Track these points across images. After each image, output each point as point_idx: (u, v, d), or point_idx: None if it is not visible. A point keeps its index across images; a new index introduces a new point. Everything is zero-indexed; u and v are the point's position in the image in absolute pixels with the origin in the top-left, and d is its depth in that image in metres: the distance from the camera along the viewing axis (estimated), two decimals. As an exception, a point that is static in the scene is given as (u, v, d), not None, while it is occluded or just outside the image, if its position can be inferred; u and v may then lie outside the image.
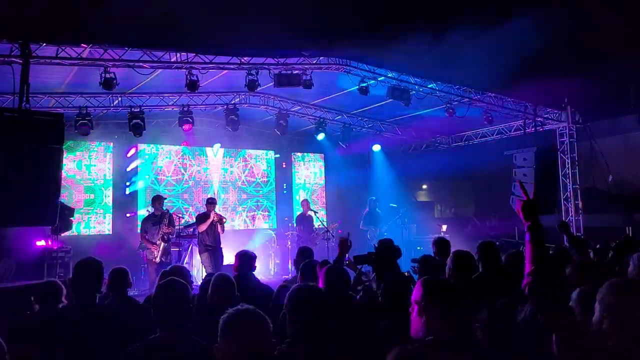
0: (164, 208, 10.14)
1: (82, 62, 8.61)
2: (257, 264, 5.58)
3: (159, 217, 9.89)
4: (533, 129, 12.28)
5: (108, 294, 4.24)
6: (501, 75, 10.21)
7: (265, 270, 12.87)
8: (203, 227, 10.13)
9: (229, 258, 9.82)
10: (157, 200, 10.14)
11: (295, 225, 13.22)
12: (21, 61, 7.37)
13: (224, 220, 10.48)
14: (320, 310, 2.85)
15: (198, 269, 11.07)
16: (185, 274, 4.41)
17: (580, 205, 12.34)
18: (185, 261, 11.06)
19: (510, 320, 3.06)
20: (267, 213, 15.51)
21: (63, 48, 8.17)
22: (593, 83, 11.52)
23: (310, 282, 3.44)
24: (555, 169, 12.28)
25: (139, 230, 10.71)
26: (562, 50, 11.48)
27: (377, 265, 4.68)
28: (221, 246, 10.32)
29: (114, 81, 8.88)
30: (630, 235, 9.26)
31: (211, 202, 10.44)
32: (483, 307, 3.18)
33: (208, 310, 3.73)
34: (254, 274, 5.53)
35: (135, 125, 11.09)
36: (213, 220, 10.15)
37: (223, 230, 10.38)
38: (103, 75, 8.80)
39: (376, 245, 5.85)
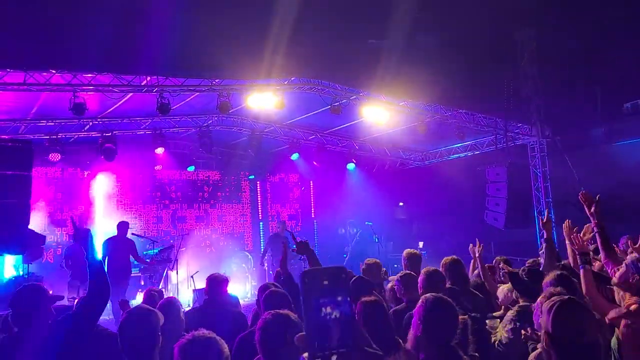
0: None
1: (50, 87, 8.52)
2: (234, 287, 5.49)
3: None
4: (504, 144, 12.47)
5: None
6: (471, 92, 10.41)
7: (242, 293, 12.73)
8: None
9: (203, 281, 9.66)
10: None
11: (267, 245, 13.08)
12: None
13: None
14: (291, 337, 2.81)
15: (174, 294, 10.88)
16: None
17: (553, 219, 12.50)
18: (160, 286, 10.86)
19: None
20: (243, 235, 15.40)
21: (31, 74, 8.09)
22: (561, 97, 11.80)
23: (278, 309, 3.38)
24: (528, 183, 12.46)
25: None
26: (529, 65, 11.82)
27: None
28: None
29: (84, 106, 8.78)
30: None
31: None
32: None
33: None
34: (230, 297, 5.44)
35: (107, 150, 10.98)
36: None
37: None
38: (72, 100, 8.69)
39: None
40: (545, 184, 12.58)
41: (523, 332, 3.51)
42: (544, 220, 5.33)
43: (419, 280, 4.32)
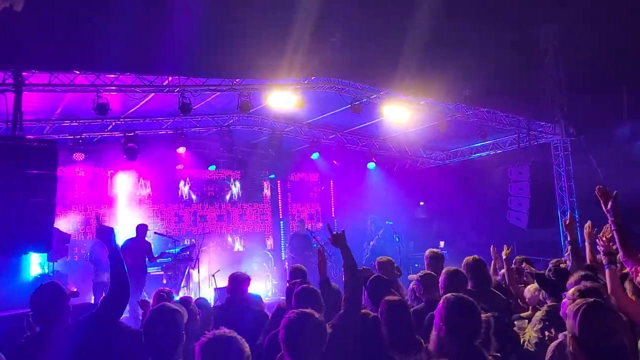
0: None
1: (74, 88, 8.64)
2: (255, 286, 5.52)
3: None
4: (527, 143, 12.31)
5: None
6: (493, 90, 10.30)
7: (263, 292, 12.79)
8: None
9: (226, 280, 9.78)
10: None
11: (288, 245, 13.15)
12: (14, 90, 7.38)
13: None
14: (317, 336, 2.81)
15: (195, 293, 10.99)
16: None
17: (577, 218, 12.29)
18: (182, 285, 10.98)
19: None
20: (264, 234, 15.46)
21: (56, 75, 8.22)
22: (585, 94, 11.61)
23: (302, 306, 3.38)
24: (551, 182, 12.28)
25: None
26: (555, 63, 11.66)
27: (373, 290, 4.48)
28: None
29: (107, 106, 8.88)
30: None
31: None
32: None
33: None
34: (252, 296, 5.47)
35: (129, 150, 11.12)
36: None
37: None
38: (96, 100, 8.81)
39: (374, 264, 5.81)
40: (569, 183, 12.38)
41: (547, 333, 3.46)
42: (567, 222, 5.26)
43: (440, 280, 4.29)
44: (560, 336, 3.08)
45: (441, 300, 3.00)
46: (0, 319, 6.60)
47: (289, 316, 2.85)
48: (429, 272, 4.85)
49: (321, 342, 2.80)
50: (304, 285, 4.18)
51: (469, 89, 10.47)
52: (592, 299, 2.41)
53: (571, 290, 3.32)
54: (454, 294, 3.08)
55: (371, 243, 13.79)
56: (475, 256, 4.84)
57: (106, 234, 3.44)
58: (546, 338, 3.49)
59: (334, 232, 4.16)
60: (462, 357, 2.79)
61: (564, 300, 3.33)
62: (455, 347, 2.80)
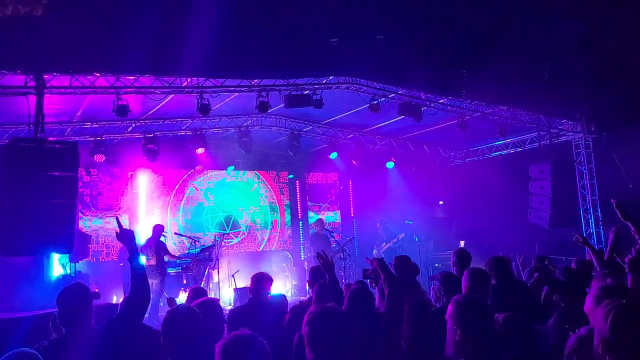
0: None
1: (95, 90, 8.74)
2: (274, 286, 5.49)
3: None
4: (548, 141, 12.14)
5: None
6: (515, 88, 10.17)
7: (282, 292, 12.79)
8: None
9: (245, 280, 9.85)
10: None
11: (309, 245, 13.15)
12: (36, 92, 7.48)
13: None
14: (341, 333, 2.77)
15: (215, 293, 11.04)
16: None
17: (600, 217, 12.11)
18: (202, 285, 11.02)
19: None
20: (282, 234, 15.47)
21: (76, 77, 8.32)
22: (607, 91, 11.41)
23: (326, 303, 3.35)
24: (573, 181, 12.09)
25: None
26: (576, 59, 11.46)
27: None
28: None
29: (127, 108, 8.97)
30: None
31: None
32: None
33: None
34: (275, 296, 5.46)
35: (149, 151, 11.22)
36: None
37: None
38: (116, 102, 8.90)
39: (392, 263, 5.79)
40: (592, 182, 12.20)
41: (571, 333, 3.40)
42: (581, 240, 5.36)
43: (462, 279, 4.24)
44: (582, 330, 3.01)
45: (450, 304, 2.93)
46: (23, 320, 6.70)
47: (312, 311, 2.80)
48: (449, 271, 4.83)
49: (346, 339, 2.75)
50: (361, 285, 4.21)
51: (489, 87, 10.31)
52: (624, 301, 2.36)
53: (595, 288, 3.26)
54: (462, 295, 3.04)
55: (384, 245, 13.55)
56: (500, 255, 4.81)
57: (126, 236, 3.49)
58: (564, 337, 3.43)
59: (376, 258, 4.41)
60: (478, 357, 2.74)
61: (587, 295, 3.27)
62: (470, 347, 2.75)
